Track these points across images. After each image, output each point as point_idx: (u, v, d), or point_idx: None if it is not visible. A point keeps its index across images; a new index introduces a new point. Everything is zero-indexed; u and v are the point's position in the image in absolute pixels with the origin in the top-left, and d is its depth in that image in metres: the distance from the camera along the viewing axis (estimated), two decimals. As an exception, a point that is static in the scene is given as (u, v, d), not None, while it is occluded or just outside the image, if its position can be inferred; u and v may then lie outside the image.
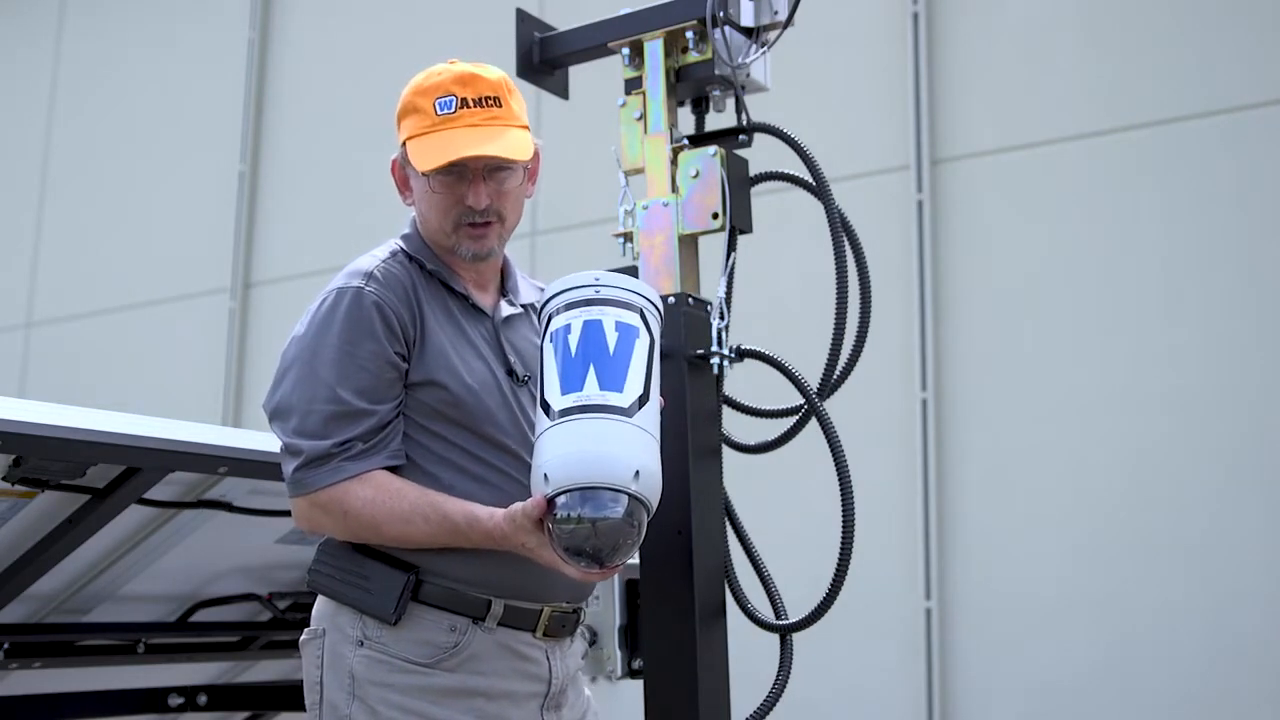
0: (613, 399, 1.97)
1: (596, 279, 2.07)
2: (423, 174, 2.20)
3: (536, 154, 2.29)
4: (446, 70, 2.24)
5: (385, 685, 2.10)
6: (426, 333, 2.17)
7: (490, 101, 2.22)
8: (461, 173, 2.20)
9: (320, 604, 2.21)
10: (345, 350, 2.12)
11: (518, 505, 2.01)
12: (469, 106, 2.20)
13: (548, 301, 2.09)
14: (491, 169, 2.22)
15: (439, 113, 2.20)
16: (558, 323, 2.05)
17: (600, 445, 1.93)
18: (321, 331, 2.15)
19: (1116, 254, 5.68)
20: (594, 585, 2.33)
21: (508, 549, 2.05)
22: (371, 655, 2.11)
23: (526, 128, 2.28)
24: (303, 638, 2.21)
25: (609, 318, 2.03)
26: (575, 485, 1.92)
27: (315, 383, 2.12)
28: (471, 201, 2.21)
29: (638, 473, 1.93)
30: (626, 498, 1.92)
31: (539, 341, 2.10)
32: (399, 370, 2.15)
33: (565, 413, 1.97)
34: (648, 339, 2.05)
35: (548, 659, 2.21)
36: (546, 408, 2.00)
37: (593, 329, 2.02)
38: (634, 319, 2.04)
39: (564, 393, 1.98)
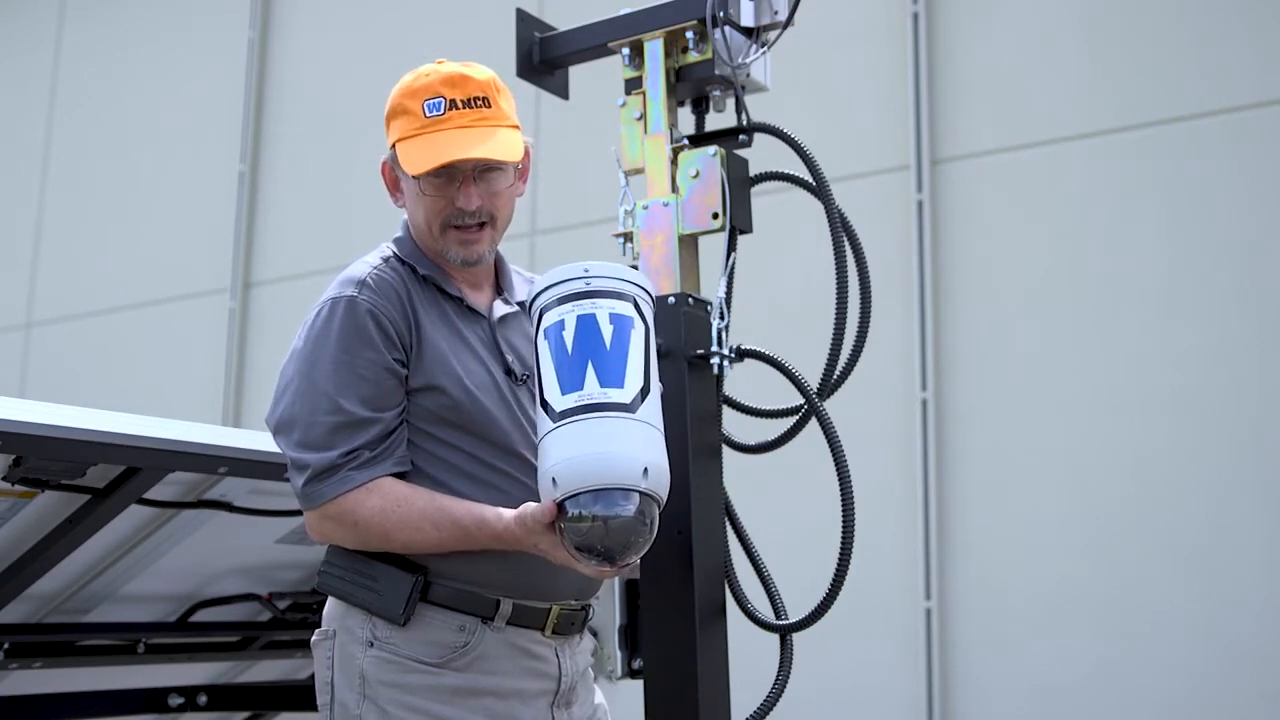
0: (615, 395, 1.95)
1: (586, 270, 2.03)
2: (413, 177, 2.20)
3: (527, 152, 2.27)
4: (434, 71, 2.23)
5: (395, 685, 2.10)
6: (423, 338, 2.17)
7: (479, 102, 2.20)
8: (452, 175, 2.19)
9: (330, 605, 2.21)
10: (343, 360, 2.12)
11: (528, 508, 2.01)
12: (458, 108, 2.19)
13: (538, 295, 2.06)
14: (482, 170, 2.21)
15: (428, 115, 2.19)
16: (550, 318, 2.02)
17: (607, 445, 1.92)
18: (319, 343, 2.14)
19: (1117, 254, 5.68)
20: (601, 582, 2.33)
21: (519, 550, 2.06)
22: (381, 656, 2.11)
23: (517, 127, 2.26)
24: (314, 638, 2.22)
25: (602, 310, 2.00)
26: (585, 489, 1.91)
27: (316, 395, 2.12)
28: (462, 203, 2.20)
29: (646, 469, 1.92)
30: (638, 495, 1.91)
31: (533, 337, 2.08)
32: (398, 377, 2.15)
33: (568, 413, 1.95)
34: (643, 328, 2.03)
35: (557, 657, 2.22)
36: (547, 408, 1.98)
37: (587, 323, 1.99)
38: (628, 309, 2.02)
39: (565, 392, 1.96)
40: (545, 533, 1.98)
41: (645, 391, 1.98)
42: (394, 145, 2.23)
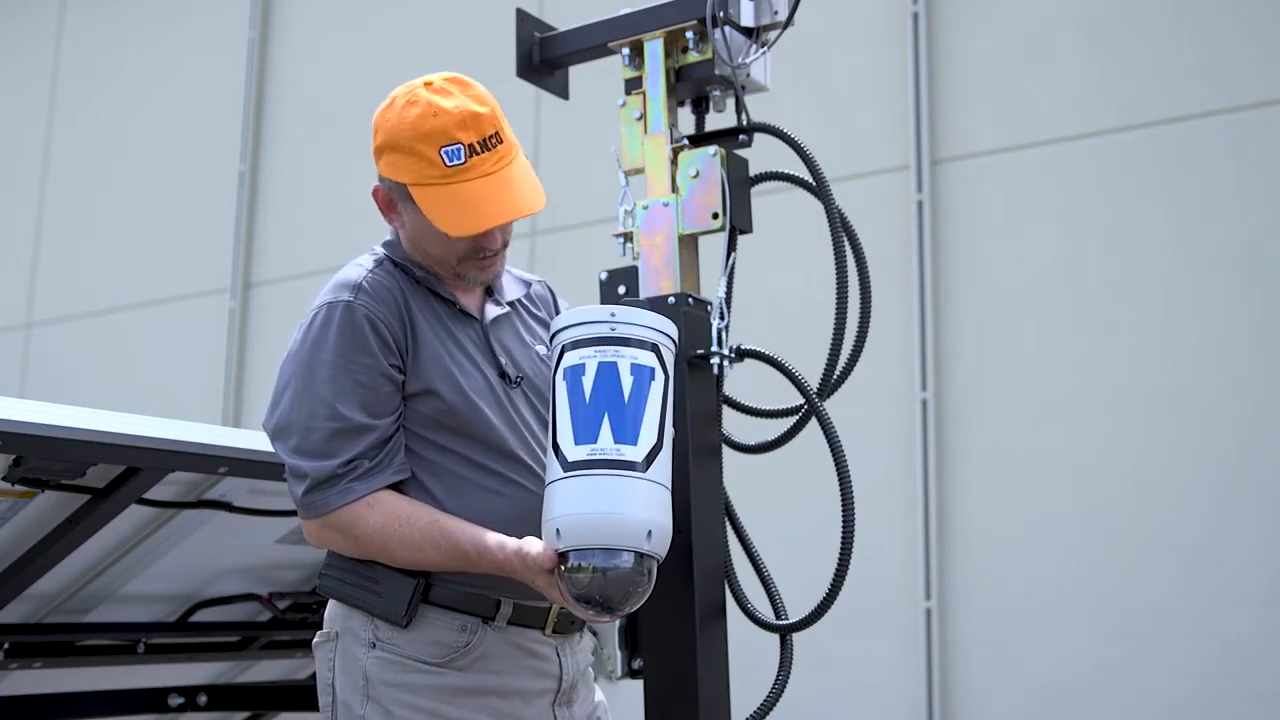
0: (627, 453, 1.96)
1: (613, 314, 2.03)
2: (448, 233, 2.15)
3: None
4: (438, 109, 2.12)
5: (398, 685, 2.11)
6: (419, 342, 2.17)
7: (493, 140, 2.15)
8: None
9: (332, 607, 2.21)
10: (341, 366, 2.11)
11: (530, 546, 2.02)
12: (477, 153, 2.13)
13: (561, 330, 2.06)
14: None
15: (448, 164, 2.11)
16: (571, 359, 2.02)
17: (614, 506, 1.93)
18: (316, 348, 2.14)
19: (1117, 254, 5.68)
20: None
21: (517, 580, 2.07)
22: (384, 657, 2.12)
23: (517, 146, 2.24)
24: (315, 640, 2.22)
25: (624, 360, 2.00)
26: (587, 546, 1.93)
27: (314, 400, 2.11)
28: (487, 244, 2.21)
29: (650, 532, 1.95)
30: (638, 555, 1.94)
31: (551, 370, 2.07)
32: (395, 383, 2.15)
33: (579, 465, 1.96)
34: (662, 378, 2.03)
35: (558, 656, 2.23)
36: (559, 453, 1.98)
37: (608, 372, 1.99)
38: (649, 359, 2.02)
39: (578, 442, 1.97)
40: (544, 574, 2.00)
41: (658, 449, 1.99)
42: (405, 184, 2.16)
